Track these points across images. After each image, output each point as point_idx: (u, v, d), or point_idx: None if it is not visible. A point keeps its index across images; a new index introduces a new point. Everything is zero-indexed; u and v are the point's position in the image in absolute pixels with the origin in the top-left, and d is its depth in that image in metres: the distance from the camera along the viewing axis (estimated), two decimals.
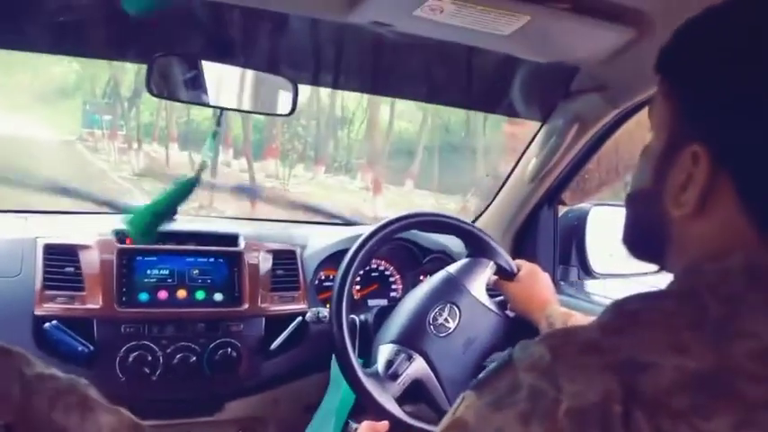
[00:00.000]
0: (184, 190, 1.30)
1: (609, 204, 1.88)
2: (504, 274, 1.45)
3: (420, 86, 1.76)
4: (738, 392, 0.51)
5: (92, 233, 1.46)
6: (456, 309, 1.41)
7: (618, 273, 1.87)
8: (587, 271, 1.85)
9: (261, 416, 1.56)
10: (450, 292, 1.42)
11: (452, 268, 1.47)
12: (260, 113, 1.36)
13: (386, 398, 1.30)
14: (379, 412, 1.27)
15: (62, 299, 1.35)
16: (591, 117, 1.50)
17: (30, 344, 1.30)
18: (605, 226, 1.84)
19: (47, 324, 1.30)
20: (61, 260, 1.39)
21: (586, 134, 1.53)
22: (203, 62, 1.21)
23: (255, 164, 10.34)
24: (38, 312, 1.32)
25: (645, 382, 0.52)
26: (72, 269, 1.38)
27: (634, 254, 0.73)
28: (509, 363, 0.59)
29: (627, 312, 0.59)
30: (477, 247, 1.48)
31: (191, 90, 1.22)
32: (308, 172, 11.06)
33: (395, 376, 1.34)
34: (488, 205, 1.92)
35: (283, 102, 1.32)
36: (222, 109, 1.28)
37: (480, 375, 0.62)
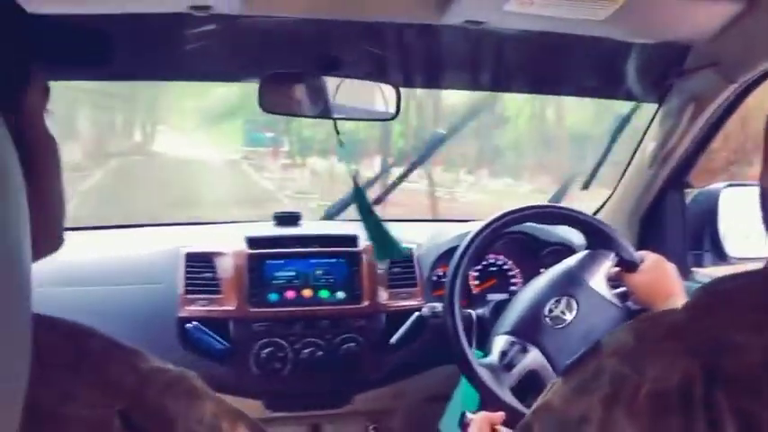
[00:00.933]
0: (361, 200, 1.38)
1: (742, 184, 1.77)
2: (627, 265, 1.40)
3: (533, 78, 1.76)
4: None
5: (227, 241, 1.59)
6: (573, 301, 1.39)
7: (757, 256, 1.75)
8: (722, 256, 1.75)
9: (388, 408, 1.63)
10: (568, 284, 1.40)
11: (571, 261, 1.45)
12: (367, 120, 1.42)
13: (501, 388, 1.31)
14: (495, 402, 1.29)
15: (201, 302, 1.49)
16: (707, 95, 1.42)
17: (175, 343, 1.45)
18: (740, 207, 1.73)
19: (188, 325, 1.45)
20: (200, 267, 1.53)
21: (705, 113, 1.46)
22: (310, 77, 1.29)
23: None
24: (181, 314, 1.47)
25: (728, 364, 0.52)
26: (210, 275, 1.52)
27: None
28: (595, 349, 0.61)
29: (714, 293, 0.59)
30: (597, 238, 1.44)
31: (301, 104, 1.31)
32: (470, 176, 10.28)
33: (510, 367, 1.35)
34: (611, 194, 1.87)
35: (388, 106, 1.37)
36: (333, 119, 1.36)
37: (568, 362, 0.64)
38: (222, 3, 1.12)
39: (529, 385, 1.34)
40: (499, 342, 1.39)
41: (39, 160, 0.53)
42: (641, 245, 1.72)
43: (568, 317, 1.38)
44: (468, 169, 10.26)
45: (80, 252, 1.56)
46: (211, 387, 1.49)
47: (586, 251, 1.45)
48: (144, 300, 1.50)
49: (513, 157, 10.65)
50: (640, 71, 1.60)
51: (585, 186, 1.81)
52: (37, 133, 0.54)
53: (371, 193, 1.62)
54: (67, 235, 1.56)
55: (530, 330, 1.37)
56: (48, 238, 0.56)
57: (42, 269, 1.37)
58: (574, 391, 0.59)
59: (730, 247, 1.74)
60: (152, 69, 1.36)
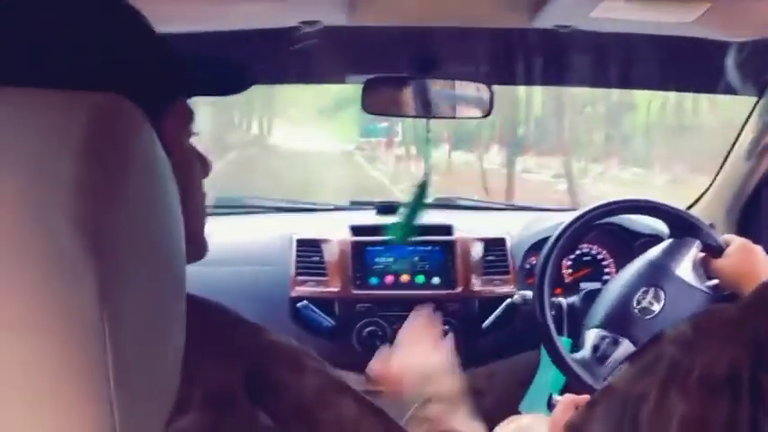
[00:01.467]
0: (422, 195, 1.47)
1: None
2: (712, 250, 1.43)
3: (633, 75, 1.78)
4: None
5: (334, 228, 1.74)
6: (661, 291, 1.43)
7: None
8: None
9: (479, 388, 1.73)
10: (653, 275, 1.44)
11: (656, 251, 1.48)
12: (463, 118, 1.52)
13: (595, 380, 1.36)
14: (583, 387, 1.36)
15: (310, 283, 1.64)
16: None
17: (287, 319, 1.62)
18: None
19: (299, 304, 1.61)
20: (309, 251, 1.69)
21: None
22: (409, 79, 1.41)
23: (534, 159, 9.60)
24: (292, 294, 1.63)
25: None
26: (317, 258, 1.68)
27: None
28: (657, 338, 0.68)
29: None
30: (680, 227, 1.47)
31: (400, 105, 1.42)
32: (597, 165, 9.65)
33: (603, 359, 1.39)
34: (707, 188, 1.87)
35: (482, 105, 1.46)
36: (429, 118, 1.46)
37: (635, 349, 0.72)
38: (330, 16, 1.25)
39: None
40: (590, 336, 1.44)
41: (183, 177, 0.59)
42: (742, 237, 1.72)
43: (656, 307, 1.42)
44: (595, 158, 9.84)
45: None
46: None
47: (670, 240, 1.48)
48: (261, 280, 1.67)
49: (643, 146, 10.03)
50: (739, 65, 1.60)
51: None
52: (181, 151, 0.60)
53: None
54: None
55: (620, 323, 1.42)
56: (192, 247, 0.63)
57: None
58: (636, 374, 0.66)
59: None
60: (267, 76, 1.51)
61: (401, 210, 1.52)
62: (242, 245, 1.75)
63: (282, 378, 0.64)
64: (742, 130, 1.69)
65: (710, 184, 1.86)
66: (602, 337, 1.42)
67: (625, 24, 1.25)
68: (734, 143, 1.73)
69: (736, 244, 1.39)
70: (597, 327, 1.44)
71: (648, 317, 1.41)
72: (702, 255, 1.43)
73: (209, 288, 1.55)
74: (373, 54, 1.41)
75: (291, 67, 1.46)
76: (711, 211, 1.80)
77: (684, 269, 1.43)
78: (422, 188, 1.48)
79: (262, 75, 1.46)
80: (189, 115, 0.62)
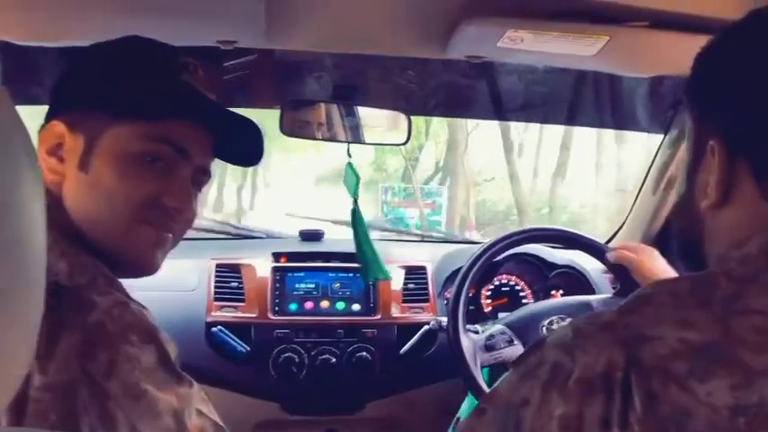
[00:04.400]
0: (358, 222, 1.44)
1: None
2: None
3: (541, 109, 1.86)
4: (739, 359, 0.57)
5: (255, 254, 1.73)
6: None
7: None
8: None
9: (399, 417, 1.72)
10: (579, 310, 1.46)
11: (593, 298, 1.52)
12: (380, 144, 1.54)
13: (474, 365, 1.38)
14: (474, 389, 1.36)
15: (227, 308, 1.63)
16: None
17: (203, 344, 1.59)
18: None
19: (214, 329, 1.58)
20: (228, 276, 1.68)
21: None
22: (327, 104, 1.43)
23: None
24: (208, 319, 1.60)
25: (647, 353, 0.60)
26: (236, 284, 1.66)
27: (686, 265, 0.79)
28: (540, 342, 0.70)
29: (644, 295, 0.67)
30: (596, 255, 1.51)
31: (318, 128, 1.44)
32: None
33: (490, 348, 1.43)
34: (623, 222, 1.94)
35: (399, 133, 1.49)
36: (348, 143, 1.48)
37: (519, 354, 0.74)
38: (247, 38, 1.26)
39: (498, 375, 1.40)
40: (492, 328, 1.48)
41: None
42: None
43: None
44: None
45: None
46: (233, 388, 1.62)
47: (612, 297, 1.52)
48: (178, 304, 1.64)
49: None
50: (646, 102, 1.69)
51: None
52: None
53: None
54: None
55: (523, 330, 1.44)
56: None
57: None
58: (519, 379, 0.68)
59: None
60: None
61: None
62: (164, 269, 1.72)
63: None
64: (651, 165, 1.76)
65: (626, 219, 1.93)
66: (501, 332, 1.45)
67: (530, 57, 1.30)
68: (645, 178, 1.81)
69: (642, 247, 1.44)
70: (503, 323, 1.48)
71: None
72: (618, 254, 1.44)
73: None
74: (293, 78, 1.43)
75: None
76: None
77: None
78: (354, 213, 1.47)
79: None
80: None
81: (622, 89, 1.71)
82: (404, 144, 1.48)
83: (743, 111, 0.66)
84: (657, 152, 1.73)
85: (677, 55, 1.31)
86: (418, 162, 9.92)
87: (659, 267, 1.37)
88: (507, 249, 1.53)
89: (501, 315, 1.79)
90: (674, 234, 0.79)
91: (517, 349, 1.41)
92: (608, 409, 0.60)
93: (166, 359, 0.76)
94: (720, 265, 0.67)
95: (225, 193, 9.78)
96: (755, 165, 0.65)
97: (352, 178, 1.45)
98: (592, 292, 1.76)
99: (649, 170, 1.78)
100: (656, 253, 1.40)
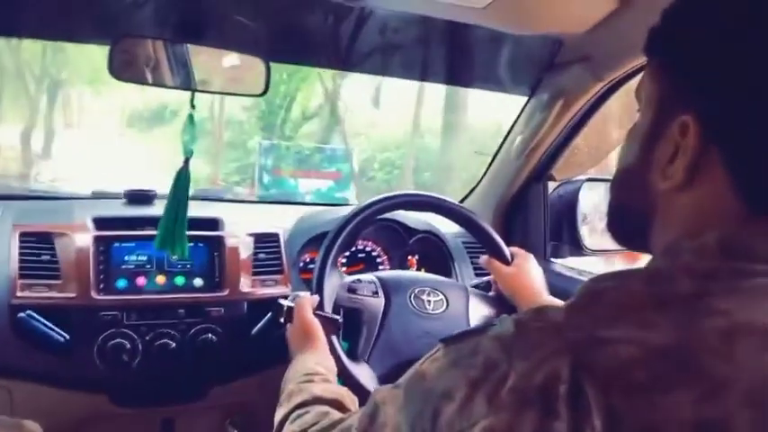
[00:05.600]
0: (181, 186, 1.26)
1: (601, 179, 1.84)
2: (500, 259, 1.41)
3: (401, 62, 1.72)
4: (703, 368, 0.50)
5: (71, 219, 1.44)
6: (444, 299, 1.37)
7: (611, 248, 1.83)
8: (579, 247, 1.81)
9: (247, 401, 1.54)
10: (451, 288, 1.40)
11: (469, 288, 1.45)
12: (232, 94, 1.32)
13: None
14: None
15: (38, 287, 1.33)
16: (576, 90, 1.45)
17: (8, 333, 1.29)
18: (598, 201, 1.80)
19: (21, 314, 1.29)
20: (37, 248, 1.37)
21: (572, 108, 1.49)
22: (169, 43, 1.18)
23: None
24: (14, 302, 1.30)
25: (601, 358, 0.51)
26: (48, 257, 1.36)
27: (619, 240, 0.73)
28: (480, 329, 0.60)
29: (593, 291, 0.58)
30: (470, 228, 1.44)
31: (157, 72, 1.19)
32: None
33: (352, 291, 1.34)
34: (478, 183, 1.89)
35: (256, 81, 1.28)
36: (193, 91, 1.24)
37: (455, 332, 0.63)
38: None
39: (350, 321, 1.31)
40: (363, 275, 1.39)
41: None
42: (504, 233, 1.75)
43: (435, 307, 1.36)
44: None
45: None
46: (50, 382, 1.35)
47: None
48: None
49: None
50: (512, 63, 1.62)
51: None
52: None
53: None
54: None
55: (392, 288, 1.35)
56: None
57: None
58: (447, 365, 0.60)
59: (587, 240, 1.81)
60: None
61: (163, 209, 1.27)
62: None
63: None
64: (512, 128, 1.71)
65: (480, 180, 1.88)
66: (370, 281, 1.36)
67: (415, 4, 1.15)
68: (503, 141, 1.76)
69: (521, 257, 1.39)
70: (373, 275, 1.38)
71: (419, 309, 1.34)
72: (486, 257, 1.41)
73: None
74: (127, 9, 1.15)
75: (27, 17, 1.14)
76: (480, 207, 1.81)
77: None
78: (180, 178, 1.25)
79: None
80: None
81: (487, 47, 1.62)
82: (261, 95, 1.27)
83: (730, 94, 0.57)
84: (520, 115, 1.68)
85: (562, 15, 1.24)
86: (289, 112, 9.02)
87: (528, 283, 1.35)
88: (375, 216, 1.39)
89: None
90: (612, 208, 0.72)
91: (378, 302, 1.32)
92: (545, 428, 0.50)
93: None
94: (671, 255, 0.60)
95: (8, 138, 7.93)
96: (732, 154, 0.58)
97: (191, 134, 1.23)
98: (450, 258, 1.70)
99: (509, 132, 1.73)
100: (530, 266, 1.38)
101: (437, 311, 1.34)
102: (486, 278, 1.52)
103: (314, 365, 1.07)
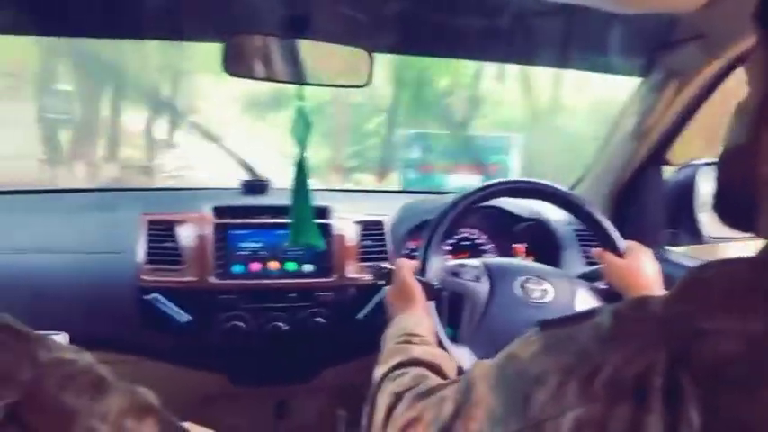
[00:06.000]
0: (301, 182, 1.31)
1: None
2: (612, 249, 1.34)
3: (512, 47, 1.70)
4: None
5: (191, 209, 1.53)
6: (551, 289, 1.34)
7: (731, 236, 1.73)
8: (698, 235, 1.72)
9: (356, 383, 1.59)
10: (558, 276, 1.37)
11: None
12: (337, 86, 1.35)
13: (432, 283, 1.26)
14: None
15: (163, 272, 1.43)
16: (691, 70, 1.38)
17: (135, 314, 1.40)
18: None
19: (149, 296, 1.39)
20: (163, 235, 1.47)
21: (687, 88, 1.41)
22: (279, 39, 1.23)
23: None
24: (141, 284, 1.41)
25: (700, 351, 0.49)
26: (172, 243, 1.46)
27: (725, 221, 0.68)
28: (579, 316, 0.60)
29: (696, 280, 0.56)
30: (581, 216, 1.40)
31: (268, 67, 1.24)
32: None
33: (456, 274, 1.32)
34: (589, 168, 1.84)
35: (360, 73, 1.31)
36: (300, 84, 1.29)
37: (553, 318, 0.63)
38: None
39: (451, 305, 1.29)
40: (470, 260, 1.37)
41: None
42: (618, 221, 1.69)
43: (540, 296, 1.34)
44: None
45: (39, 216, 1.50)
46: (174, 360, 1.45)
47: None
48: (104, 268, 1.43)
49: None
50: (624, 44, 1.56)
51: None
52: None
53: None
54: (30, 198, 1.46)
55: (498, 276, 1.32)
56: None
57: (5, 233, 1.29)
58: (542, 349, 0.59)
59: (705, 227, 1.71)
60: (110, 27, 1.27)
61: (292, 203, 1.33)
62: (83, 226, 1.50)
63: (66, 404, 0.47)
64: (625, 110, 1.65)
65: (591, 165, 1.83)
66: (475, 266, 1.33)
67: None
68: (615, 125, 1.69)
69: (635, 249, 1.32)
70: (481, 262, 1.36)
71: (532, 300, 1.32)
72: (599, 250, 1.35)
73: (41, 278, 1.30)
74: (237, 8, 1.21)
75: (140, 17, 1.23)
76: (592, 193, 1.76)
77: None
78: (300, 166, 1.30)
79: (103, 24, 1.21)
80: None
81: (596, 28, 1.56)
82: (364, 86, 1.30)
83: None
84: (632, 97, 1.61)
85: None
86: None
87: (642, 280, 1.27)
88: (476, 203, 1.39)
89: None
90: (718, 189, 0.67)
91: (482, 287, 1.29)
92: (637, 420, 0.49)
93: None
94: None
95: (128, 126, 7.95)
96: None
97: (302, 125, 1.27)
98: (558, 246, 1.66)
99: (622, 115, 1.67)
100: (645, 260, 1.29)
101: (543, 301, 1.32)
102: (595, 266, 1.48)
103: (413, 326, 1.08)
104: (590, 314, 0.59)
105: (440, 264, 1.35)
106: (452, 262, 1.38)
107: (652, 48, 1.47)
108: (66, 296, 1.37)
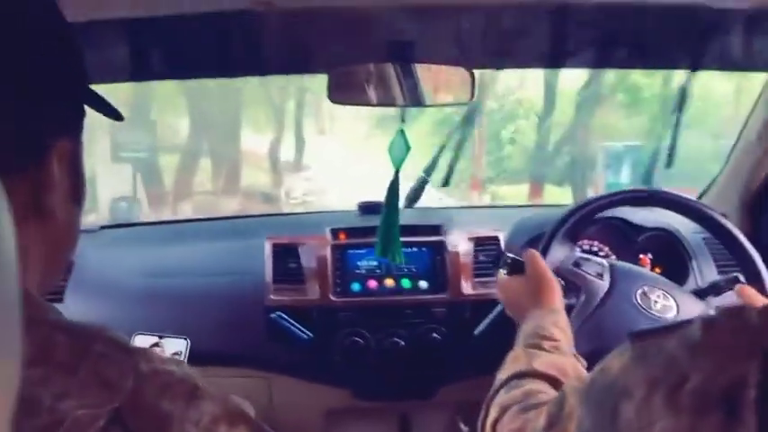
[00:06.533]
0: (391, 198, 1.35)
1: None
2: (755, 283, 1.21)
3: (619, 53, 1.64)
4: None
5: (312, 231, 1.62)
6: (675, 306, 1.28)
7: None
8: None
9: (478, 400, 1.59)
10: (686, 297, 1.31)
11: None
12: (442, 105, 1.38)
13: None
14: None
15: (287, 291, 1.52)
16: None
17: (263, 332, 1.49)
18: None
19: (273, 314, 1.48)
20: (286, 257, 1.57)
21: None
22: (379, 65, 1.28)
23: None
24: (267, 304, 1.50)
25: None
26: (295, 265, 1.55)
27: None
28: (671, 327, 0.58)
29: None
30: (713, 228, 1.33)
31: (371, 93, 1.30)
32: None
33: (578, 265, 1.29)
34: (717, 175, 1.73)
35: (463, 90, 1.33)
36: (404, 107, 1.33)
37: (645, 328, 0.61)
38: None
39: (565, 293, 1.22)
40: (596, 258, 1.34)
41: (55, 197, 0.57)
42: (753, 230, 1.58)
43: (662, 310, 1.27)
44: None
45: (174, 245, 1.65)
46: (299, 375, 1.53)
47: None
48: (234, 290, 1.55)
49: None
50: (751, 39, 1.46)
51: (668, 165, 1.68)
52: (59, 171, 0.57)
53: None
54: (161, 228, 1.62)
55: (620, 278, 1.28)
56: (52, 266, 0.60)
57: (141, 261, 1.44)
58: (630, 361, 0.58)
59: None
60: (220, 67, 1.39)
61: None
62: (213, 252, 1.63)
63: (163, 410, 0.52)
64: (753, 109, 1.54)
65: (721, 170, 1.72)
66: (600, 264, 1.30)
67: None
68: (745, 124, 1.59)
69: None
70: (607, 261, 1.33)
71: (644, 307, 1.27)
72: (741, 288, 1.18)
73: (180, 301, 1.43)
74: (339, 39, 1.28)
75: (246, 55, 1.33)
76: (723, 200, 1.66)
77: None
78: (391, 191, 1.34)
79: (212, 64, 1.33)
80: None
81: (720, 25, 1.48)
82: (468, 102, 1.32)
83: None
84: (761, 96, 1.51)
85: None
86: None
87: None
88: (594, 214, 1.36)
89: None
90: None
91: (601, 285, 1.26)
92: None
93: None
94: None
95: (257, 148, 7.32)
96: None
97: (400, 148, 1.30)
98: (687, 255, 1.58)
99: (751, 114, 1.57)
100: None
101: (664, 315, 1.26)
102: (731, 275, 1.37)
103: (550, 326, 1.04)
104: (682, 324, 0.57)
105: (561, 254, 1.32)
106: (576, 254, 1.35)
107: None
108: (200, 314, 1.49)
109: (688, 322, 0.57)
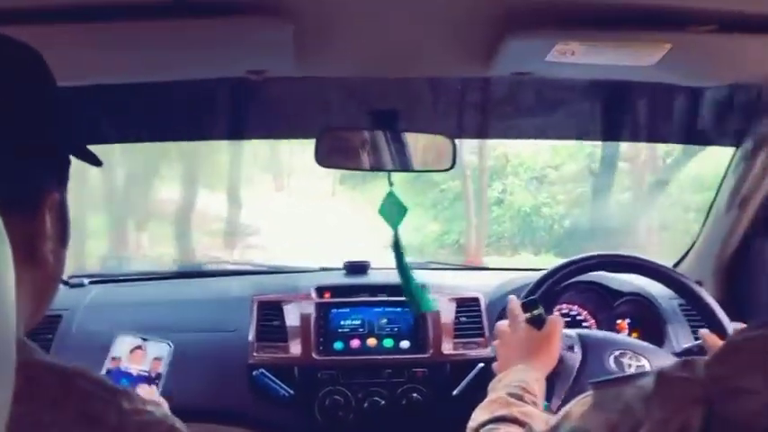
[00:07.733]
0: (400, 259, 1.37)
1: None
2: (718, 332, 1.27)
3: (602, 125, 1.73)
4: None
5: (298, 289, 1.65)
6: (648, 366, 1.31)
7: None
8: None
9: None
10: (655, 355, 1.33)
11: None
12: (423, 171, 1.45)
13: None
14: None
15: (270, 349, 1.54)
16: None
17: (245, 388, 1.51)
18: None
19: (256, 371, 1.50)
20: (270, 315, 1.60)
21: None
22: (365, 131, 1.34)
23: None
24: (250, 361, 1.52)
25: (735, 409, 0.53)
26: (278, 322, 1.58)
27: None
28: (629, 378, 0.64)
29: (736, 342, 0.59)
30: (672, 287, 1.38)
31: (356, 158, 1.36)
32: None
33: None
34: (693, 242, 1.79)
35: (444, 158, 1.39)
36: (389, 171, 1.39)
37: (605, 378, 0.67)
38: (277, 66, 1.19)
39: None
40: (566, 330, 1.33)
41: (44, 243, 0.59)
42: (728, 295, 1.63)
43: (636, 368, 1.31)
44: None
45: (158, 299, 1.67)
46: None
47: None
48: (217, 346, 1.57)
49: None
50: (715, 114, 1.55)
51: None
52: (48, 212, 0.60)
53: None
54: (144, 284, 1.64)
55: (591, 346, 1.30)
56: (38, 307, 0.62)
57: (120, 316, 1.46)
58: (591, 407, 0.64)
59: None
60: (212, 130, 1.46)
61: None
62: (198, 308, 1.66)
63: None
64: (722, 181, 1.62)
65: (696, 239, 1.78)
66: (569, 336, 1.31)
67: (584, 70, 1.19)
68: (715, 196, 1.66)
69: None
70: (575, 332, 1.34)
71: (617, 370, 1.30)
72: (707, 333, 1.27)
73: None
74: (327, 106, 1.35)
75: (239, 120, 1.40)
76: (699, 268, 1.71)
77: None
78: (396, 246, 1.38)
79: (205, 127, 1.39)
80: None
81: (686, 100, 1.57)
82: (448, 170, 1.38)
83: None
84: (729, 167, 1.58)
85: (750, 60, 1.19)
86: None
87: None
88: (572, 277, 1.41)
89: None
90: None
91: (574, 357, 1.28)
92: None
93: None
94: None
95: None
96: None
97: (394, 209, 1.35)
98: (663, 320, 1.62)
99: (720, 186, 1.64)
100: None
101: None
102: (698, 342, 1.43)
103: (533, 382, 1.09)
104: (638, 375, 0.62)
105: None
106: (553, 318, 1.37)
107: (744, 117, 1.45)
108: (184, 370, 1.50)
109: (644, 374, 0.62)
